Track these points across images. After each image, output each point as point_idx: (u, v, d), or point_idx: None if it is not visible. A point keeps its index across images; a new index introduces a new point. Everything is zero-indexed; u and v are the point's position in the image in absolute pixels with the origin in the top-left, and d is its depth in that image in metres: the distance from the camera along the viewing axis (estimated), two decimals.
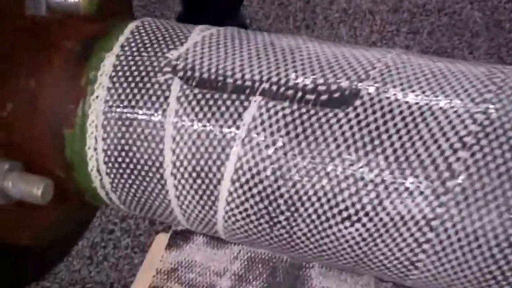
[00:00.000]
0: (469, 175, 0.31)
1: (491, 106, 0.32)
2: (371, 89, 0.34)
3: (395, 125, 0.32)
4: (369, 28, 1.45)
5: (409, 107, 0.33)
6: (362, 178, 0.32)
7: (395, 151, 0.32)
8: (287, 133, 0.34)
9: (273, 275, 0.88)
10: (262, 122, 0.34)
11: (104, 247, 1.23)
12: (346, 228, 0.33)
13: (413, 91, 0.33)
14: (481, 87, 0.33)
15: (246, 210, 0.35)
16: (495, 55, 1.34)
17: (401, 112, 0.33)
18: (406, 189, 0.32)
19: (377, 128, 0.33)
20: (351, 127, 0.33)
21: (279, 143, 0.34)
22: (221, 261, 0.90)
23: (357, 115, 0.33)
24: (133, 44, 0.39)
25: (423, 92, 0.33)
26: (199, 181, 0.36)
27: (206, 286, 0.93)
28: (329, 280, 0.76)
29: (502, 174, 0.30)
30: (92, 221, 0.53)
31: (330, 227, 0.34)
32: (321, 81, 0.35)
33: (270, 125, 0.34)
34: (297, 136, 0.34)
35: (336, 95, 0.34)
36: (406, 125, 0.32)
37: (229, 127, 0.35)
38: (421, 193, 0.31)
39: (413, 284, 0.35)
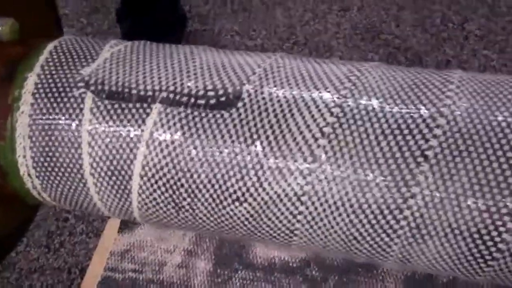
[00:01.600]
0: (328, 158, 0.38)
1: (346, 101, 0.39)
2: (251, 92, 0.41)
3: (269, 121, 0.40)
4: (302, 8, 1.51)
5: (281, 105, 0.40)
6: (245, 166, 0.40)
7: (269, 142, 0.39)
8: (183, 133, 0.41)
9: (220, 248, 0.96)
10: (162, 125, 0.41)
11: (60, 235, 1.29)
12: (236, 207, 0.41)
13: (284, 91, 0.41)
14: (339, 84, 0.41)
15: (155, 199, 0.42)
16: (419, 27, 1.43)
17: (274, 110, 0.40)
18: (280, 172, 0.39)
19: (255, 124, 0.40)
20: (234, 125, 0.40)
21: (177, 142, 0.41)
22: (171, 239, 0.98)
23: (239, 114, 0.40)
24: (51, 64, 0.45)
25: (292, 91, 0.40)
26: (114, 178, 0.43)
27: (158, 263, 1.01)
28: (271, 247, 0.84)
29: (353, 156, 0.38)
30: (34, 218, 0.59)
31: (224, 207, 0.41)
32: (210, 87, 0.41)
33: (169, 128, 0.41)
34: (191, 135, 0.41)
35: (223, 99, 0.41)
36: (278, 120, 0.39)
37: (135, 131, 0.41)
38: (292, 174, 0.39)
39: (297, 247, 0.43)
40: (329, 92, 0.40)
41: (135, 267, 1.04)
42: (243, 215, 0.41)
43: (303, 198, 0.39)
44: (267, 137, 0.39)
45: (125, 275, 1.06)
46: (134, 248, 1.03)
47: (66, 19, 1.68)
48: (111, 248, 1.06)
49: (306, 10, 1.49)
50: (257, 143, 0.39)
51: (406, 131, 0.38)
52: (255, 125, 0.40)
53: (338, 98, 0.40)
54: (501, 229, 0.36)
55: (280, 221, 0.40)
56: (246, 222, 0.41)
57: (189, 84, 0.42)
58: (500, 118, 0.37)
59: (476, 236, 0.37)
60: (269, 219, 0.41)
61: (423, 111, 0.38)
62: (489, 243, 0.37)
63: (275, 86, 0.41)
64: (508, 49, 1.34)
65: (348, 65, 0.43)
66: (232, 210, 0.41)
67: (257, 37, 1.46)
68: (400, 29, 1.40)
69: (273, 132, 0.39)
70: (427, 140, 0.37)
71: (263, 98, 0.40)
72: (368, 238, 0.39)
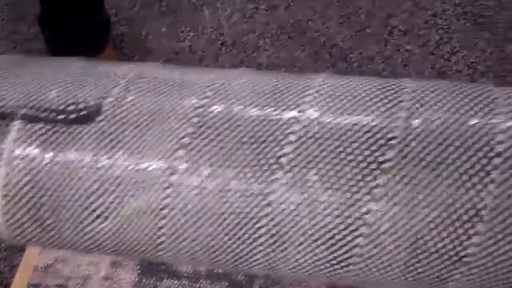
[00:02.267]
0: (187, 169, 0.38)
1: (206, 110, 0.39)
2: (113, 104, 0.40)
3: (130, 133, 0.39)
4: (230, 8, 1.51)
5: (141, 116, 0.39)
6: (106, 180, 0.39)
7: (130, 155, 0.39)
8: (43, 149, 0.40)
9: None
10: (22, 143, 0.40)
11: None
12: (100, 224, 0.40)
13: (145, 102, 0.40)
14: (201, 93, 0.40)
15: (19, 219, 0.41)
16: (345, 24, 1.45)
17: (135, 122, 0.39)
18: (140, 185, 0.38)
19: (116, 137, 0.39)
20: (95, 139, 0.39)
21: (37, 160, 0.40)
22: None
23: (100, 128, 0.39)
24: None
25: (153, 102, 0.40)
26: None
27: (82, 277, 0.99)
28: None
29: (212, 165, 0.38)
30: None
31: (88, 225, 0.40)
32: (71, 101, 0.41)
33: (29, 145, 0.40)
34: (51, 151, 0.40)
35: (83, 113, 0.40)
36: (138, 132, 0.39)
37: None
38: (152, 187, 0.38)
39: (164, 259, 0.43)
40: (189, 101, 0.40)
41: (60, 282, 1.02)
42: (106, 232, 0.40)
43: (164, 212, 0.39)
44: (127, 150, 0.39)
45: None
46: (58, 263, 1.01)
47: None
48: (35, 264, 1.04)
49: (234, 10, 1.49)
50: (117, 156, 0.39)
51: (262, 139, 0.38)
52: (115, 138, 0.39)
53: (198, 107, 0.39)
54: (355, 233, 0.36)
55: (146, 235, 0.40)
56: (111, 239, 0.41)
57: (50, 98, 0.41)
58: (352, 121, 0.38)
59: (331, 242, 0.37)
60: (133, 235, 0.40)
61: (280, 117, 0.38)
62: (345, 248, 0.37)
63: (136, 97, 0.41)
64: (430, 43, 1.37)
65: (214, 73, 0.43)
66: (95, 227, 0.40)
67: (185, 39, 1.45)
68: (326, 26, 1.41)
69: (133, 145, 0.39)
70: (281, 147, 0.37)
71: (124, 110, 0.40)
72: (230, 249, 0.39)
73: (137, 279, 0.99)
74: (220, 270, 0.94)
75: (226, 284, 0.95)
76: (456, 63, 1.33)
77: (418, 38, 1.36)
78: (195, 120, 0.39)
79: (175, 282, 0.92)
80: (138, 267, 1.01)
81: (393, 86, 0.40)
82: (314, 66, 1.36)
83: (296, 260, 0.38)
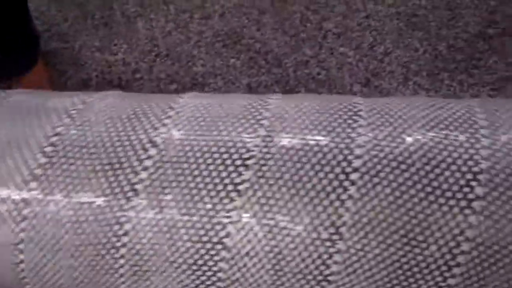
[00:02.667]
0: (39, 202, 0.36)
1: (60, 139, 0.38)
2: None
3: None
4: (164, 18, 1.49)
5: None
6: None
7: None
8: None
9: None
10: None
11: None
12: None
13: (1, 128, 0.38)
14: (57, 120, 0.39)
15: None
16: (280, 30, 1.44)
17: None
18: None
19: None
20: None
21: None
22: None
23: None
24: None
25: (8, 132, 0.38)
26: None
27: None
28: None
29: (67, 195, 0.36)
30: None
31: None
32: None
33: None
34: None
35: None
36: None
37: None
38: (5, 222, 0.37)
39: None
40: (44, 130, 0.38)
41: None
42: None
43: (20, 246, 0.37)
44: None
45: None
46: None
47: None
48: None
49: (168, 20, 1.47)
50: None
51: (116, 165, 0.36)
52: None
53: (53, 135, 0.38)
54: (216, 258, 0.35)
55: (7, 271, 0.38)
56: None
57: None
58: (210, 142, 0.36)
59: (194, 267, 0.36)
60: None
61: (136, 142, 0.37)
62: (209, 273, 0.36)
63: None
64: (363, 45, 1.38)
65: (75, 97, 0.41)
66: None
67: (118, 51, 1.42)
68: (260, 32, 1.40)
69: None
70: (137, 173, 0.36)
71: None
72: (95, 280, 0.38)
73: None
74: None
75: None
76: (390, 63, 1.34)
77: (351, 40, 1.36)
78: (48, 149, 0.37)
79: None
80: None
81: (257, 105, 0.39)
82: (249, 72, 1.35)
83: None
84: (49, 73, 1.39)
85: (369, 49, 1.38)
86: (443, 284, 0.34)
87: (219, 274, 0.36)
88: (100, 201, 0.36)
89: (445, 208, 0.34)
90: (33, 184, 0.36)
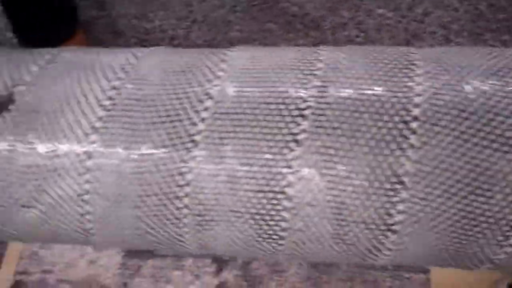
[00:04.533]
0: (101, 154, 0.37)
1: (118, 92, 0.38)
2: (24, 92, 0.39)
3: (41, 121, 0.38)
4: None
5: (52, 103, 0.38)
6: (25, 171, 0.38)
7: (44, 143, 0.38)
8: None
9: None
10: None
11: None
12: (26, 213, 0.39)
13: (56, 88, 0.39)
14: (112, 75, 0.39)
15: None
16: None
17: (46, 109, 0.38)
18: (58, 173, 0.38)
19: (29, 125, 0.38)
20: (8, 128, 0.38)
21: None
22: None
23: (13, 117, 0.38)
24: None
25: (65, 87, 0.39)
26: None
27: (67, 262, 0.99)
28: None
29: (127, 148, 0.37)
30: None
31: (15, 215, 0.40)
32: None
33: None
34: None
35: None
36: (49, 119, 0.38)
37: None
38: (68, 174, 0.37)
39: (97, 244, 0.42)
40: (101, 84, 0.39)
41: (46, 268, 1.02)
42: (35, 220, 0.40)
43: (86, 197, 0.38)
44: (42, 138, 0.38)
45: (35, 277, 1.05)
46: (42, 249, 1.02)
47: None
48: (20, 251, 1.04)
49: None
50: (33, 145, 0.38)
51: (175, 118, 0.37)
52: (29, 126, 0.38)
53: (110, 89, 0.38)
54: (278, 207, 0.36)
55: (71, 222, 0.39)
56: (41, 227, 0.40)
57: None
58: (265, 93, 0.36)
59: (257, 217, 0.36)
60: (62, 222, 0.39)
61: (192, 94, 0.37)
62: (271, 223, 0.36)
63: (48, 84, 0.39)
64: (402, 5, 1.35)
65: (127, 53, 0.42)
66: (23, 216, 0.40)
67: (155, 18, 1.43)
68: None
69: (46, 132, 0.38)
70: (195, 124, 0.36)
71: (37, 97, 0.39)
72: (159, 230, 0.38)
73: (121, 261, 1.00)
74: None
75: (210, 260, 0.95)
76: (430, 24, 1.31)
77: (390, 1, 1.34)
78: (106, 103, 0.38)
79: (159, 261, 0.93)
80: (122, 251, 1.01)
81: (309, 56, 0.39)
82: (287, 37, 1.34)
83: (227, 237, 0.38)
84: (87, 42, 1.40)
85: (408, 10, 1.35)
86: (509, 234, 0.34)
87: (282, 224, 0.36)
88: (160, 152, 0.36)
89: (509, 156, 0.33)
90: (94, 137, 0.37)
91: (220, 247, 0.39)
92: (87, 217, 0.39)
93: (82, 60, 0.41)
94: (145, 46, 1.25)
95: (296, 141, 0.35)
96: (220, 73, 0.38)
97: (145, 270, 0.99)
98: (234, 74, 0.38)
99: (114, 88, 0.38)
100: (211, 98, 0.37)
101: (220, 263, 0.98)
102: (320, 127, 0.35)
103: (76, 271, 1.02)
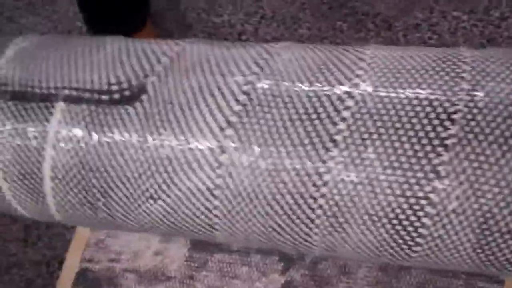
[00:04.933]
0: (236, 149, 0.36)
1: (253, 87, 0.37)
2: (156, 83, 0.39)
3: (175, 113, 0.38)
4: None
5: (186, 95, 0.38)
6: (154, 162, 0.38)
7: (176, 135, 0.37)
8: (88, 131, 0.39)
9: None
10: (66, 124, 0.39)
11: (37, 228, 1.28)
12: (151, 205, 0.39)
13: (189, 80, 0.38)
14: (246, 69, 0.38)
15: (70, 201, 0.41)
16: None
17: (179, 101, 0.38)
18: (190, 166, 0.37)
19: (161, 117, 0.38)
20: (139, 119, 0.38)
21: (83, 141, 0.39)
22: None
23: (144, 108, 0.38)
24: None
25: (198, 80, 0.38)
26: (26, 181, 0.41)
27: (133, 252, 1.00)
28: None
29: (262, 145, 0.36)
30: None
31: (140, 206, 0.39)
32: (114, 81, 0.39)
33: (73, 126, 0.39)
34: (96, 132, 0.39)
35: (126, 93, 0.39)
36: (183, 112, 0.37)
37: (39, 132, 0.39)
38: (201, 167, 0.37)
39: (218, 239, 0.41)
40: (235, 78, 0.38)
41: (112, 257, 1.03)
42: (160, 212, 0.39)
43: (216, 192, 0.37)
44: (173, 130, 0.37)
45: (101, 265, 1.06)
46: (109, 238, 1.02)
47: (31, 7, 1.64)
48: (87, 239, 1.05)
49: None
50: (164, 137, 0.38)
51: (314, 116, 0.36)
52: (161, 118, 0.38)
53: (245, 84, 0.38)
54: (420, 213, 0.34)
55: (197, 217, 0.39)
56: (164, 219, 0.40)
57: (92, 79, 0.40)
58: (411, 95, 0.35)
59: (395, 222, 0.35)
60: (186, 215, 0.39)
61: (331, 92, 0.36)
62: (410, 229, 0.35)
63: (180, 75, 0.39)
64: (478, 9, 1.31)
65: (258, 47, 0.41)
66: (148, 208, 0.39)
67: (224, 13, 1.42)
68: None
69: (179, 124, 0.37)
70: (335, 124, 0.35)
71: (168, 89, 0.38)
72: (288, 229, 0.38)
73: (187, 254, 1.00)
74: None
75: (277, 258, 0.94)
76: (507, 29, 1.27)
77: (465, 4, 1.30)
78: (242, 97, 0.37)
79: (226, 256, 0.92)
80: (189, 242, 1.01)
81: (451, 57, 0.37)
82: (357, 36, 1.31)
83: (358, 241, 0.37)
84: (157, 33, 1.41)
85: (484, 13, 1.32)
86: None
87: (421, 230, 0.35)
88: (299, 149, 0.35)
89: None
90: (229, 131, 0.36)
91: (346, 250, 0.38)
92: (215, 212, 0.38)
93: (212, 53, 0.40)
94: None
95: (444, 146, 0.34)
96: (360, 72, 0.37)
97: (212, 264, 0.98)
98: (375, 74, 0.37)
99: (249, 82, 0.38)
100: (351, 97, 0.36)
101: (288, 261, 0.97)
102: (471, 132, 0.33)
103: (142, 261, 1.03)
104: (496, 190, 0.33)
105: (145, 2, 1.36)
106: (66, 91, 0.39)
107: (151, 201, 0.39)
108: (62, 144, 0.39)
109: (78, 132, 0.39)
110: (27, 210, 0.43)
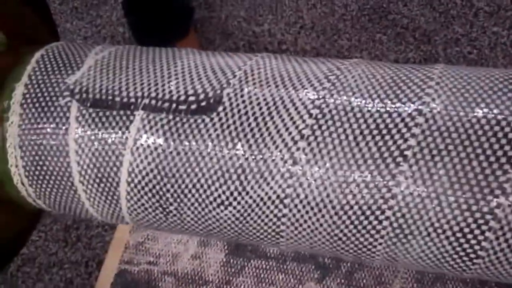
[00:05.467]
0: (308, 161, 0.38)
1: (325, 102, 0.39)
2: (231, 95, 0.41)
3: (249, 124, 0.40)
4: None
5: (260, 108, 0.40)
6: (228, 170, 0.40)
7: (250, 146, 0.39)
8: (166, 139, 0.41)
9: None
10: (145, 132, 0.41)
11: (77, 229, 1.32)
12: (222, 211, 0.41)
13: (263, 93, 0.41)
14: (318, 85, 0.40)
15: (143, 204, 0.43)
16: (428, 5, 1.41)
17: (254, 113, 0.40)
18: (261, 175, 0.39)
19: (236, 128, 0.40)
20: (215, 129, 0.40)
21: (161, 148, 0.41)
22: None
23: (220, 118, 0.40)
24: (38, 73, 0.45)
25: (271, 93, 0.40)
26: (102, 185, 0.43)
27: (172, 255, 1.03)
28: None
29: (332, 158, 0.38)
30: (37, 221, 0.61)
31: (210, 211, 0.41)
32: (191, 92, 0.42)
33: (152, 134, 0.41)
34: (174, 141, 0.41)
35: (203, 103, 0.41)
36: (257, 123, 0.40)
37: (119, 138, 0.42)
38: (273, 177, 0.39)
39: (285, 248, 0.43)
40: (308, 93, 0.40)
41: (150, 259, 1.06)
42: (229, 218, 0.41)
43: (286, 201, 0.39)
44: (248, 141, 0.40)
45: (140, 267, 1.08)
46: (148, 240, 1.05)
47: (75, 12, 1.69)
48: (126, 241, 1.08)
49: None
50: (238, 147, 0.40)
51: (384, 131, 0.37)
52: (236, 129, 0.40)
53: (317, 99, 0.40)
54: (484, 227, 0.36)
55: (266, 224, 0.41)
56: (232, 225, 0.42)
57: (170, 89, 0.42)
58: (479, 114, 0.37)
59: (459, 235, 0.36)
60: (255, 221, 0.41)
61: (402, 109, 0.38)
62: (473, 242, 0.36)
63: (255, 88, 0.41)
64: None
65: (328, 63, 0.43)
66: (218, 213, 0.41)
67: (264, 22, 1.45)
68: (408, 8, 1.37)
69: (253, 135, 0.39)
70: (405, 140, 0.37)
71: (243, 101, 0.41)
72: (353, 239, 0.39)
73: (224, 259, 1.01)
74: (307, 252, 0.94)
75: (313, 266, 0.95)
76: None
77: (505, 20, 1.31)
78: (314, 111, 0.39)
79: (263, 262, 0.94)
80: (226, 247, 1.03)
81: None
82: (397, 48, 1.33)
83: (421, 252, 0.38)
84: (199, 41, 1.44)
85: None
86: None
87: (484, 243, 0.36)
88: (369, 163, 0.37)
89: None
90: (302, 144, 0.38)
91: (408, 261, 0.40)
92: (283, 219, 0.40)
93: (284, 68, 0.42)
94: (253, 49, 1.28)
95: (511, 164, 0.35)
96: (429, 91, 0.38)
97: (249, 270, 1.00)
98: (444, 93, 0.38)
99: (321, 97, 0.39)
100: (421, 115, 0.37)
101: (324, 270, 0.98)
102: None
103: (180, 264, 1.05)
104: None
105: (189, 11, 1.39)
106: (146, 100, 0.42)
107: (222, 207, 0.41)
108: (140, 151, 0.41)
109: (156, 139, 0.41)
110: (99, 212, 0.46)
